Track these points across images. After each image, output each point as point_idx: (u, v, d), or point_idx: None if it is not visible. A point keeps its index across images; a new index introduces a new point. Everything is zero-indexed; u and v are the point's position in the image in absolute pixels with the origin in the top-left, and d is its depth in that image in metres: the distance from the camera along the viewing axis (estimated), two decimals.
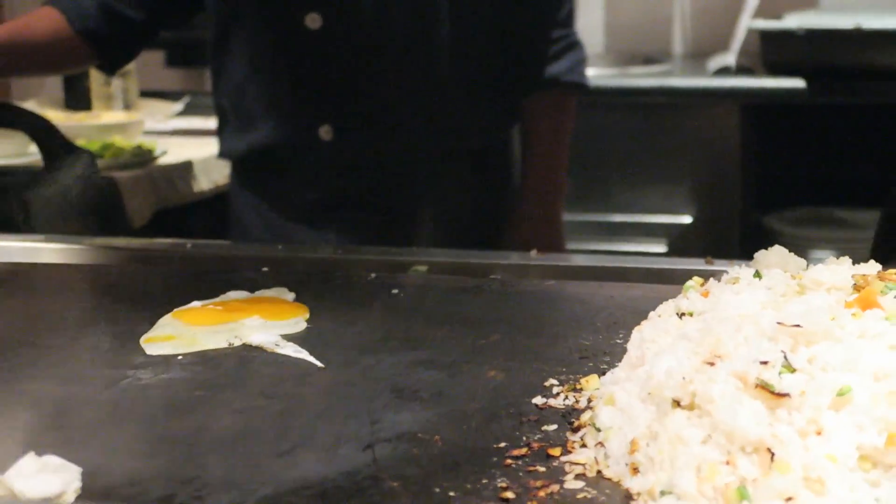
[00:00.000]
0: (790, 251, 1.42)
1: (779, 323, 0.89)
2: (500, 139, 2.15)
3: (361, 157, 2.01)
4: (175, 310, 1.27)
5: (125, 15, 2.06)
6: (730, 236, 3.00)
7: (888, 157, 2.89)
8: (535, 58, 2.09)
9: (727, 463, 0.77)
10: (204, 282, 1.36)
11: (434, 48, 1.98)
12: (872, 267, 1.07)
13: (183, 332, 1.22)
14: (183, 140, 2.79)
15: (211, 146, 2.40)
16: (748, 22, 2.85)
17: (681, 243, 2.93)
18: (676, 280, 1.20)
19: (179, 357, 1.15)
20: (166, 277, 1.45)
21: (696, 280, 1.11)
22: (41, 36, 2.06)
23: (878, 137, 2.89)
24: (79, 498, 0.82)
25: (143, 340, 1.19)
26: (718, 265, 1.36)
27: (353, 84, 1.98)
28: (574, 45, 2.13)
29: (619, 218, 2.94)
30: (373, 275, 1.43)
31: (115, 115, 2.85)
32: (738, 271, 1.11)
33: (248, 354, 1.16)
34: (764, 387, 0.81)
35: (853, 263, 1.11)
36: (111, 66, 2.21)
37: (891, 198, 1.84)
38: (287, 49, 1.96)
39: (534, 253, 1.65)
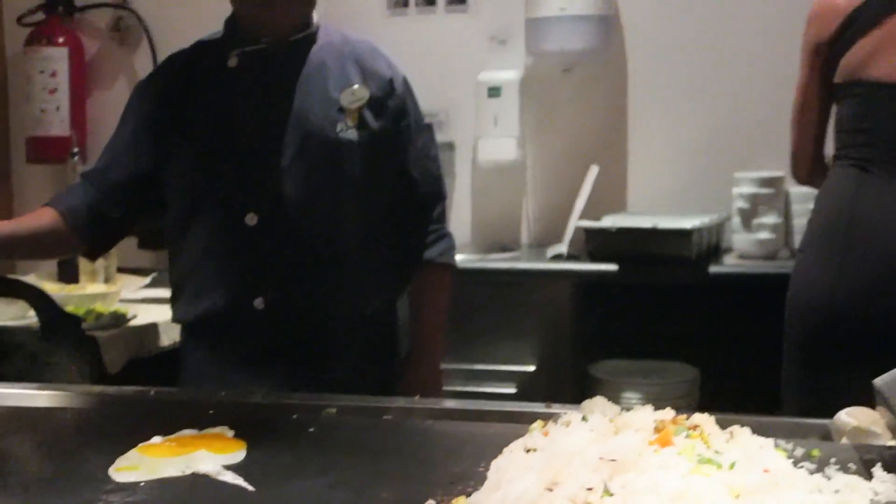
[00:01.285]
0: (608, 393, 1.48)
1: (600, 458, 0.93)
2: (390, 307, 2.12)
3: (287, 321, 1.98)
4: (139, 444, 1.23)
5: (108, 215, 2.07)
6: (564, 381, 2.98)
7: (679, 320, 3.01)
8: (416, 245, 2.10)
9: None
10: (163, 421, 1.31)
11: (342, 238, 1.99)
12: (668, 413, 1.10)
13: (146, 463, 1.18)
14: (149, 306, 2.78)
15: (167, 311, 2.32)
16: (576, 221, 2.94)
17: (528, 386, 2.90)
18: (524, 420, 1.22)
19: (142, 484, 1.12)
20: (133, 418, 1.41)
21: (539, 423, 1.14)
22: (42, 230, 2.07)
23: (672, 306, 2.92)
24: None
25: (112, 469, 1.16)
26: (556, 408, 1.34)
27: (281, 266, 1.97)
28: (445, 235, 2.16)
29: (480, 366, 2.92)
30: (295, 416, 1.39)
31: (97, 287, 2.84)
32: (570, 415, 1.13)
33: (197, 480, 1.13)
34: None
35: (652, 402, 1.20)
36: (94, 253, 2.20)
37: None
38: (230, 239, 1.96)
39: (417, 398, 1.68)
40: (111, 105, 3.39)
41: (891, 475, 1.02)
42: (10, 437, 1.32)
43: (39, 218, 2.10)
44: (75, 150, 3.32)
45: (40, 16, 3.44)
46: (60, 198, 2.14)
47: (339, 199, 2.01)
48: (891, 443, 1.19)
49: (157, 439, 1.25)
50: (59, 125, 3.40)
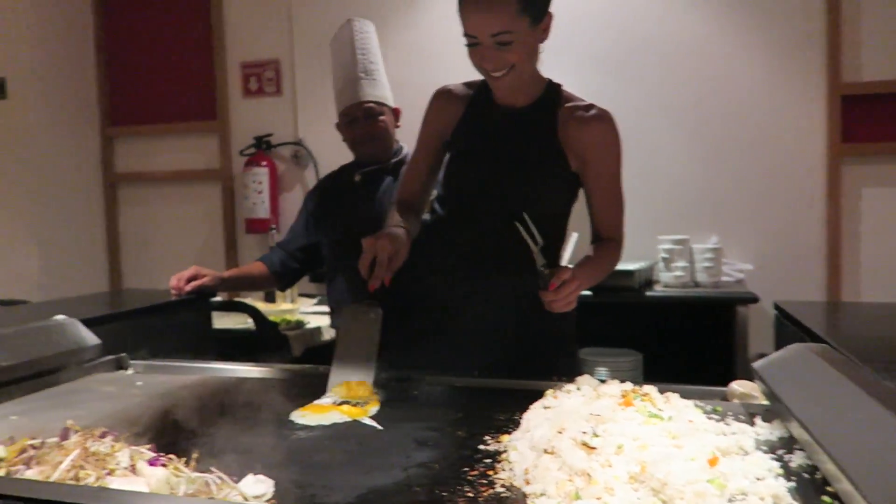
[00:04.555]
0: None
1: (589, 413, 0.93)
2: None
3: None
4: (314, 402, 1.22)
5: (291, 266, 2.18)
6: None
7: (629, 324, 2.98)
8: None
9: (569, 480, 0.78)
10: (324, 387, 1.27)
11: None
12: (628, 385, 1.09)
13: (317, 413, 1.17)
14: (317, 317, 2.79)
15: (328, 319, 2.40)
16: None
17: None
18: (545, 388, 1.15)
19: (314, 425, 1.12)
20: (309, 384, 1.36)
21: (551, 390, 1.12)
22: (256, 274, 2.17)
23: (625, 316, 2.83)
24: (272, 498, 0.82)
25: (294, 414, 1.17)
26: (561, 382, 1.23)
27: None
28: None
29: None
30: (406, 383, 1.33)
31: (286, 306, 2.88)
32: (569, 386, 1.13)
33: (349, 423, 1.13)
34: (584, 444, 0.84)
35: (613, 373, 1.17)
36: (285, 287, 2.30)
37: None
38: (358, 279, 1.76)
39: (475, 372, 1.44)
40: (292, 201, 3.52)
41: (766, 423, 1.03)
42: (234, 395, 1.32)
43: (254, 268, 2.22)
44: (273, 226, 3.45)
45: (252, 150, 3.57)
46: (265, 257, 2.23)
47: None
48: (764, 403, 1.16)
49: (326, 399, 1.25)
50: (263, 211, 3.49)
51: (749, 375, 1.23)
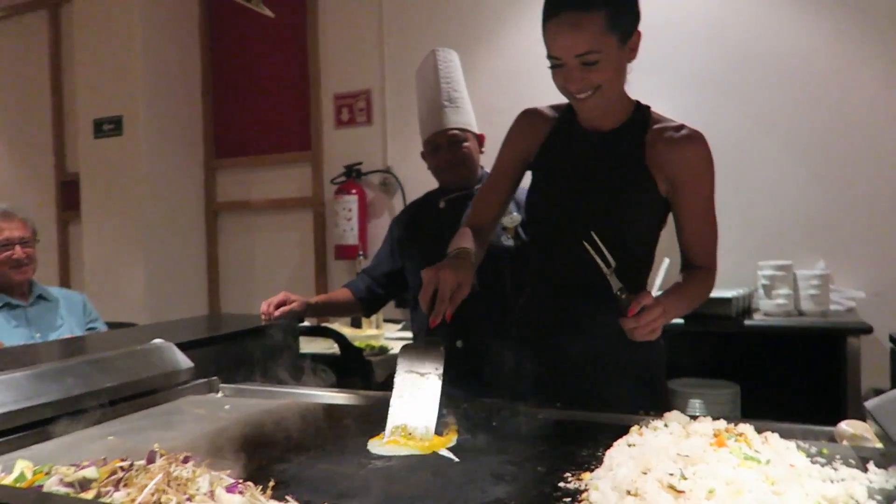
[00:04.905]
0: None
1: (677, 453, 0.88)
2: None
3: (474, 356, 1.79)
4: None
5: (376, 292, 2.20)
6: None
7: (726, 354, 2.87)
8: None
9: None
10: None
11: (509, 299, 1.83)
12: (721, 423, 1.03)
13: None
14: (400, 343, 2.64)
15: None
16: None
17: None
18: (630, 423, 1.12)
19: (391, 455, 1.11)
20: (385, 411, 1.25)
21: (636, 427, 1.07)
22: (343, 300, 2.20)
23: (721, 345, 2.74)
24: None
25: (371, 444, 1.15)
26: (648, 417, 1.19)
27: (474, 319, 1.83)
28: None
29: None
30: (483, 413, 1.29)
31: (371, 331, 2.91)
32: (657, 422, 1.07)
33: (425, 455, 1.11)
34: (671, 487, 0.80)
35: (709, 405, 1.10)
36: (370, 313, 2.31)
37: None
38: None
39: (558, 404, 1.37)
40: (380, 227, 3.54)
41: (881, 469, 0.95)
42: (315, 422, 1.32)
43: (340, 294, 2.25)
44: (360, 252, 3.53)
45: (343, 178, 3.66)
46: (351, 283, 2.26)
47: (502, 280, 1.96)
48: (878, 446, 1.08)
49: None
50: (352, 238, 3.56)
51: (861, 415, 1.13)
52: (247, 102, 4.03)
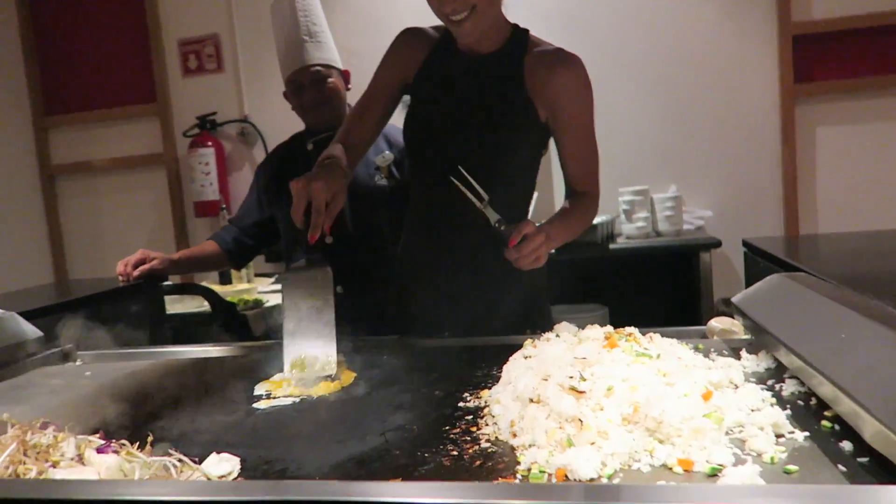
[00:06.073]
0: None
1: (574, 357, 0.88)
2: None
3: (357, 302, 1.77)
4: (269, 379, 1.14)
5: (245, 243, 2.08)
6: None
7: (594, 278, 3.00)
8: None
9: (560, 428, 0.75)
10: (279, 362, 1.15)
11: (380, 243, 1.81)
12: (609, 328, 1.05)
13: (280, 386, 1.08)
14: (275, 296, 2.64)
15: None
16: None
17: None
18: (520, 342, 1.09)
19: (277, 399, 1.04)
20: (264, 360, 1.24)
21: (529, 340, 1.06)
22: (208, 254, 2.06)
23: (589, 270, 2.86)
24: (239, 476, 0.77)
25: (257, 387, 1.10)
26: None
27: (350, 266, 1.80)
28: None
29: None
30: (374, 347, 1.25)
31: (243, 286, 2.77)
32: (549, 335, 1.06)
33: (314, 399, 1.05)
34: (573, 388, 0.80)
35: (580, 327, 1.13)
36: (239, 266, 2.18)
37: None
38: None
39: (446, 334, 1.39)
40: (241, 180, 3.39)
41: (751, 355, 1.00)
42: (190, 376, 1.27)
43: (205, 247, 2.10)
44: (223, 206, 3.35)
45: (196, 130, 3.42)
46: (217, 234, 2.12)
47: (379, 222, 1.90)
48: (745, 337, 1.14)
49: (276, 376, 1.16)
50: (212, 193, 3.36)
51: (722, 314, 1.20)
52: (79, 52, 3.63)
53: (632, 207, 2.81)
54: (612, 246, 2.71)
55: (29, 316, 1.46)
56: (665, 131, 3.02)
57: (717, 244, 2.61)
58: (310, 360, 1.12)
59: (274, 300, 2.58)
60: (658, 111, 3.02)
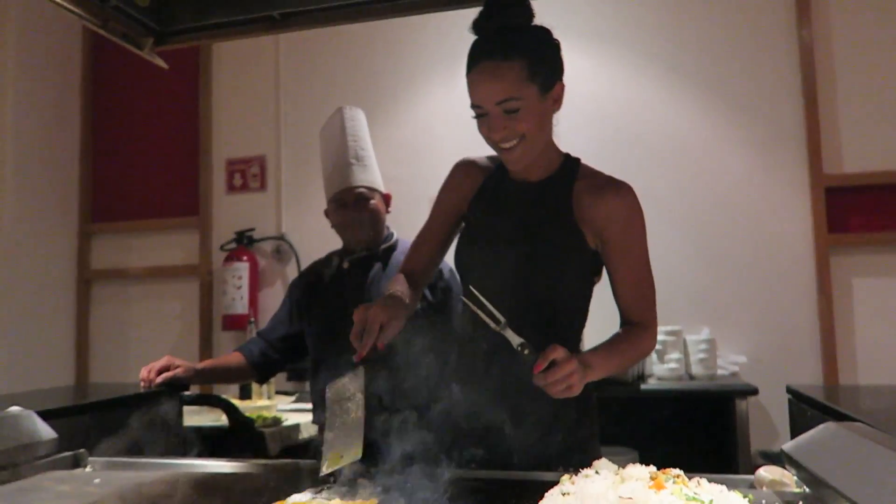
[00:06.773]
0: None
1: (619, 496, 0.83)
2: None
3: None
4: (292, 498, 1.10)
5: (271, 357, 2.06)
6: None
7: (623, 419, 2.89)
8: None
9: None
10: (305, 483, 1.17)
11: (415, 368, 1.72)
12: (653, 468, 1.00)
13: None
14: (294, 414, 2.64)
15: (307, 416, 2.32)
16: None
17: None
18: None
19: None
20: (285, 480, 1.23)
21: (566, 476, 1.01)
22: (232, 365, 2.04)
23: (619, 411, 2.85)
24: None
25: None
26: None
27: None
28: None
29: None
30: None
31: (262, 402, 2.71)
32: (587, 471, 1.01)
33: None
34: None
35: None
36: (262, 380, 2.14)
37: None
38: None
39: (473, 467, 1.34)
40: (272, 296, 3.43)
41: None
42: (201, 491, 1.21)
43: (231, 358, 2.08)
44: (251, 319, 3.33)
45: (233, 245, 3.50)
46: (244, 346, 2.10)
47: (411, 345, 1.84)
48: (797, 490, 1.07)
49: (307, 495, 1.13)
50: (241, 307, 3.38)
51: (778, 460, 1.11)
52: (131, 164, 3.80)
53: (664, 347, 2.74)
54: (643, 386, 2.63)
55: (44, 416, 1.42)
56: (698, 273, 3.01)
57: (754, 391, 2.50)
58: (341, 452, 1.15)
59: (293, 419, 2.52)
60: (691, 252, 3.03)
